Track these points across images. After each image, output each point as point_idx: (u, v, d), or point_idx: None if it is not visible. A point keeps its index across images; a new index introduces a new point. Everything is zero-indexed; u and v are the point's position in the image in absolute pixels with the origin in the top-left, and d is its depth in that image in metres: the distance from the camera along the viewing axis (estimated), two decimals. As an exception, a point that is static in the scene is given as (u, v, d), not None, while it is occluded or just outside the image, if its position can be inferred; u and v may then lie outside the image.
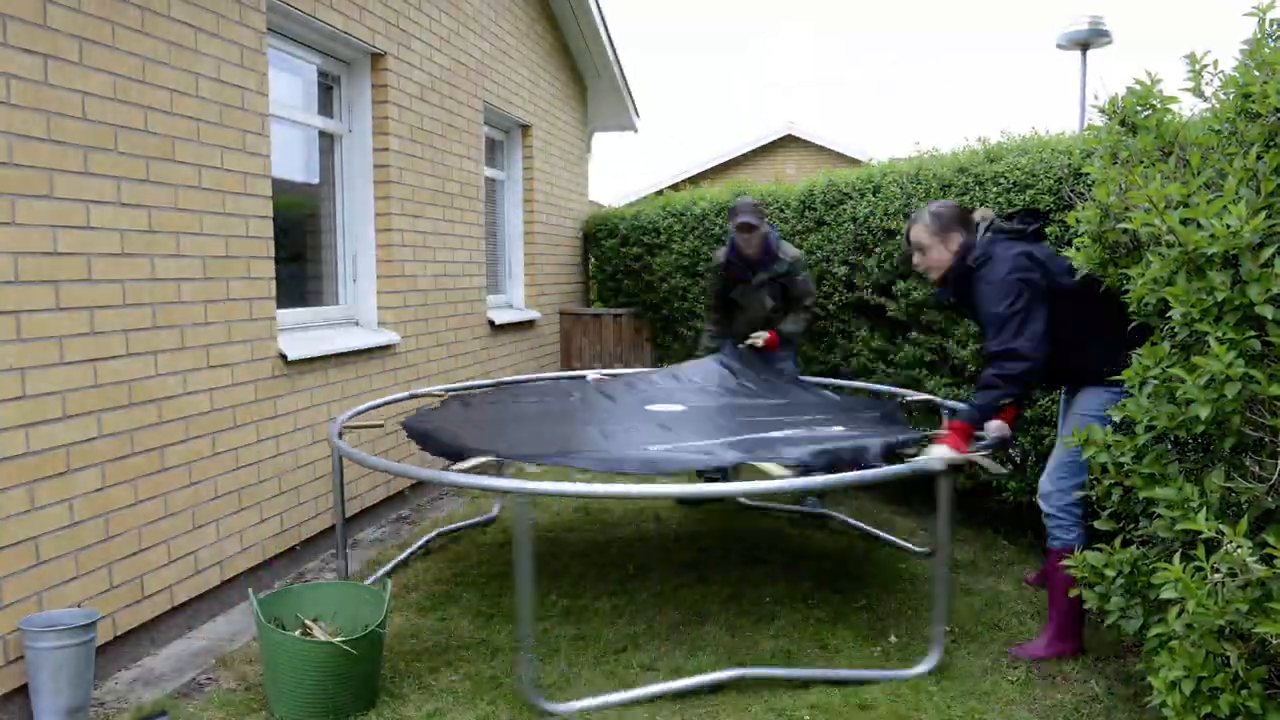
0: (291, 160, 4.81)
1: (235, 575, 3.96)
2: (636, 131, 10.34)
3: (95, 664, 3.18)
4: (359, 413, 4.40)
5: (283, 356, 4.24)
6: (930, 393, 4.92)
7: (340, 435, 3.93)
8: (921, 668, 3.24)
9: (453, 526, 5.00)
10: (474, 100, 6.45)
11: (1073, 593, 2.88)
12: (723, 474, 4.84)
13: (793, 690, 3.13)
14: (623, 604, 3.91)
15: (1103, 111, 2.90)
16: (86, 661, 2.91)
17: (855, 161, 15.00)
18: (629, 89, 9.54)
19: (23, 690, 2.91)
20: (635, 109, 9.93)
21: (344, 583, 3.53)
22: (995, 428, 3.31)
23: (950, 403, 4.47)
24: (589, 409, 4.45)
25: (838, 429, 3.85)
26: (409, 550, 4.56)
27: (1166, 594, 2.19)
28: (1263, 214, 2.12)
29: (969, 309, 3.56)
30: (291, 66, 4.77)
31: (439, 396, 4.89)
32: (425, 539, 4.75)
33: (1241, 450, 2.31)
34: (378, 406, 4.61)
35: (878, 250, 5.47)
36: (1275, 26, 2.44)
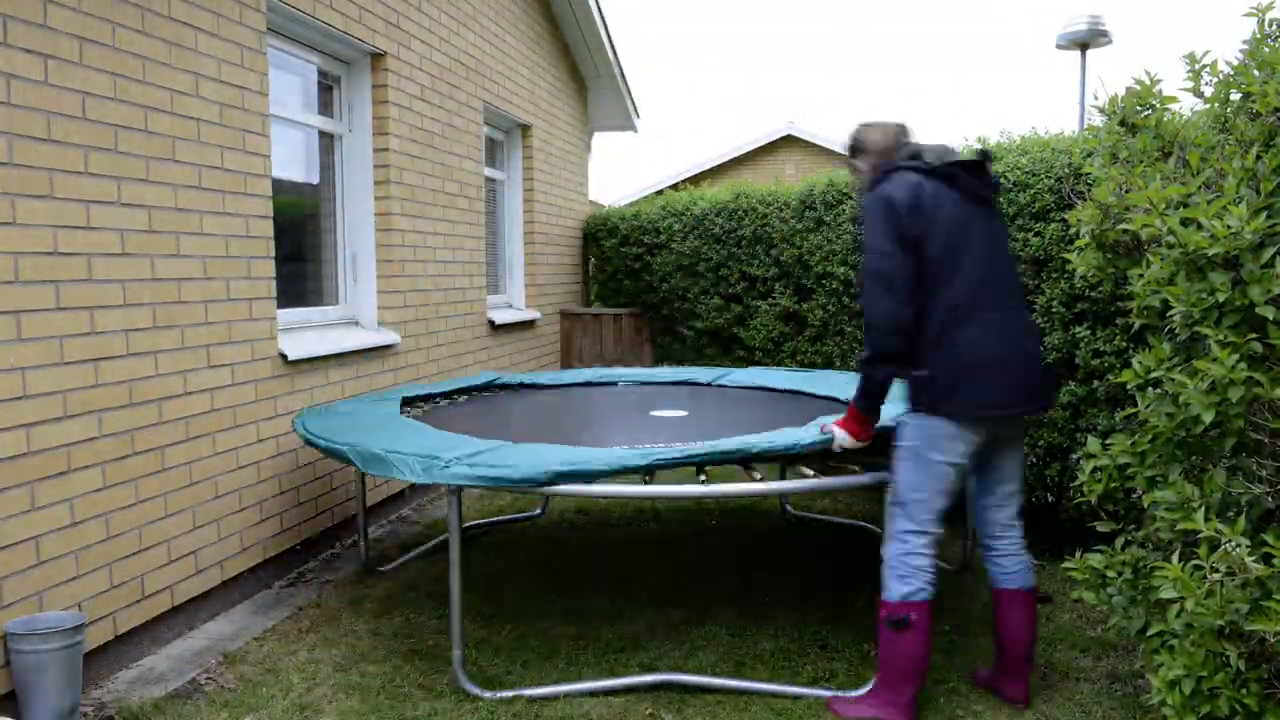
0: (291, 160, 4.81)
1: (235, 575, 3.96)
2: (636, 131, 10.34)
3: (94, 664, 3.19)
4: None
5: (283, 356, 4.24)
6: None
7: None
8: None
9: (491, 521, 5.04)
10: (474, 100, 6.46)
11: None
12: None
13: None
14: (622, 604, 3.92)
15: (1102, 111, 2.90)
16: (75, 665, 2.89)
17: (855, 161, 14.93)
18: (629, 88, 9.54)
19: (14, 694, 2.90)
20: (635, 109, 9.93)
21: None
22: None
23: None
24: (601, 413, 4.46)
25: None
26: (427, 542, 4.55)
27: (1165, 593, 2.19)
28: (1263, 214, 2.12)
29: None
30: (291, 66, 4.77)
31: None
32: (470, 523, 4.76)
33: (1241, 450, 2.31)
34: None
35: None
36: (1275, 26, 2.45)
